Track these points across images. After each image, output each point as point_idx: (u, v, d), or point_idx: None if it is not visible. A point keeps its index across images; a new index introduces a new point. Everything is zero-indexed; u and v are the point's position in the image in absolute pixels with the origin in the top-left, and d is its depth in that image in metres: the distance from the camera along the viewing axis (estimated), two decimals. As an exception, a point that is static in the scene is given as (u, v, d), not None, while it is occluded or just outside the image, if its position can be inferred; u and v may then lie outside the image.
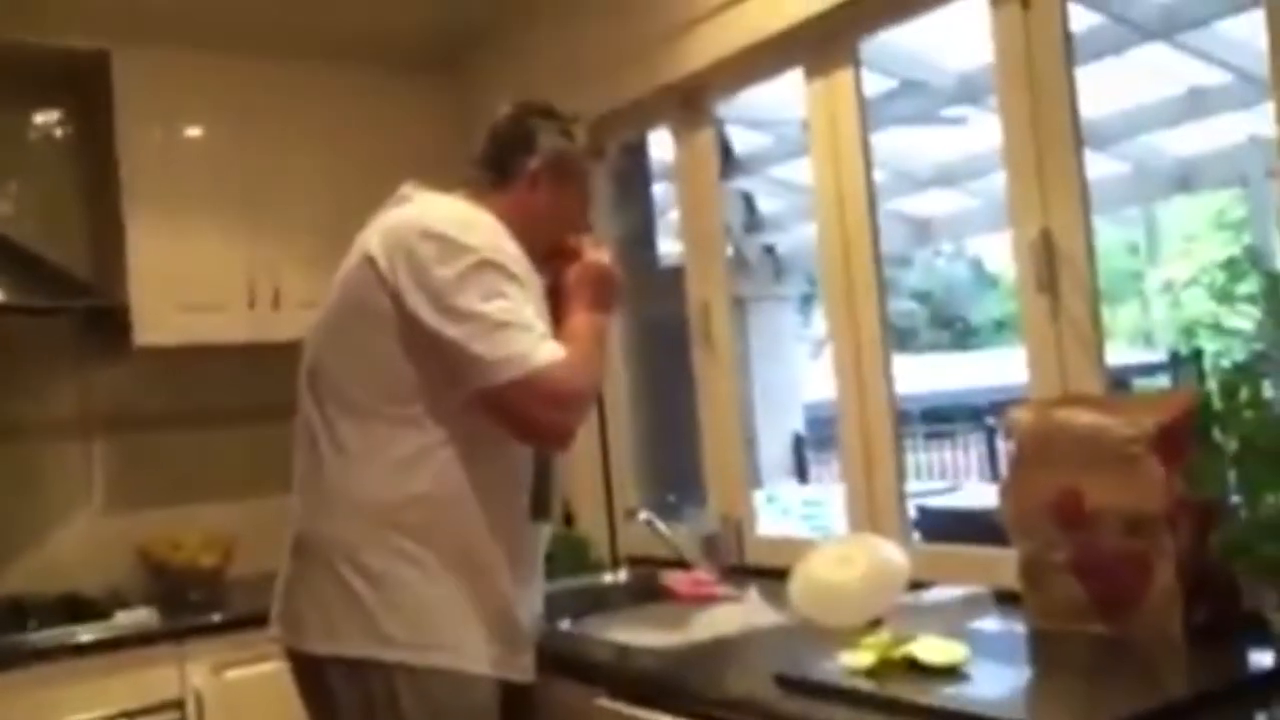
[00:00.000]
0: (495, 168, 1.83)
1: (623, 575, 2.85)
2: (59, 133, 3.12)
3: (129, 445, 3.13)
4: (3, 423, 2.97)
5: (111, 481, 3.10)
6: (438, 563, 1.64)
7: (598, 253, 1.86)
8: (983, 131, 5.27)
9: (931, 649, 1.55)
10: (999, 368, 10.53)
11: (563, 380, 1.61)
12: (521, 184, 1.81)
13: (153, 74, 2.90)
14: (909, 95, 4.84)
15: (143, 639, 2.55)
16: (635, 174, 3.44)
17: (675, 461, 3.19)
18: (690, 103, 2.72)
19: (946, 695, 1.45)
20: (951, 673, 1.51)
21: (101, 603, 2.74)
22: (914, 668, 1.54)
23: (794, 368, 7.66)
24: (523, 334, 1.60)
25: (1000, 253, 15.06)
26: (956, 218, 6.66)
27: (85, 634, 2.52)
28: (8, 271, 2.70)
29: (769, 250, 7.28)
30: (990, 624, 1.83)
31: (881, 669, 1.55)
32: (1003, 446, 8.49)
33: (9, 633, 2.51)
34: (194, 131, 3.00)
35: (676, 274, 2.95)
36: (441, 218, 1.69)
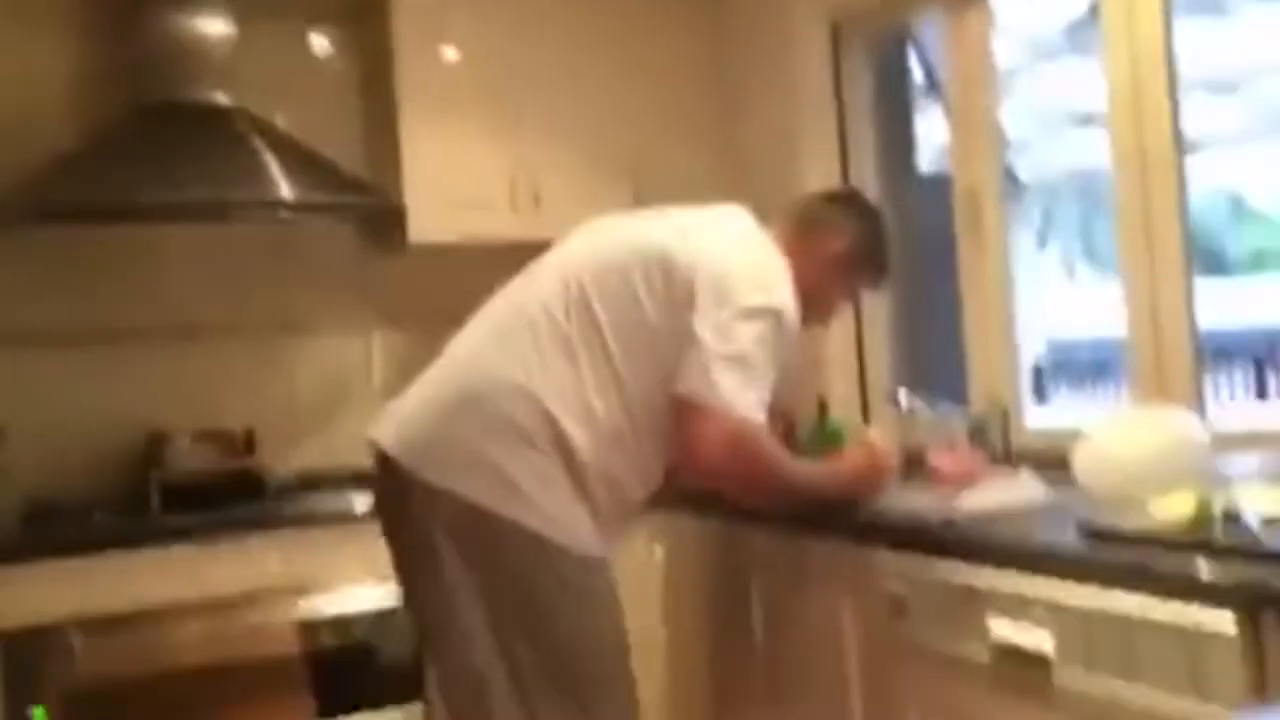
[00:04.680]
0: (810, 219, 2.11)
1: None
2: (337, 43, 3.30)
3: (403, 338, 3.30)
4: (294, 316, 3.21)
5: (388, 371, 3.28)
6: (587, 475, 1.81)
7: (887, 448, 2.14)
8: (1253, 28, 4.82)
9: (1257, 498, 1.45)
10: (1265, 300, 9.70)
11: (747, 438, 1.79)
12: (823, 253, 2.07)
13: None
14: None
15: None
16: (897, 75, 3.36)
17: (929, 361, 3.12)
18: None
19: (1282, 540, 1.35)
20: (1281, 523, 1.42)
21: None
22: (1236, 520, 1.45)
23: (1033, 296, 7.31)
24: (756, 382, 1.80)
25: (1264, 175, 13.79)
26: (1214, 134, 6.17)
27: (363, 505, 2.71)
28: (297, 172, 2.88)
29: (1008, 175, 6.95)
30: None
31: (1203, 520, 1.46)
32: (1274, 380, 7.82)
33: (302, 502, 2.76)
34: (463, 38, 3.10)
35: (934, 182, 2.87)
36: (756, 262, 1.91)
